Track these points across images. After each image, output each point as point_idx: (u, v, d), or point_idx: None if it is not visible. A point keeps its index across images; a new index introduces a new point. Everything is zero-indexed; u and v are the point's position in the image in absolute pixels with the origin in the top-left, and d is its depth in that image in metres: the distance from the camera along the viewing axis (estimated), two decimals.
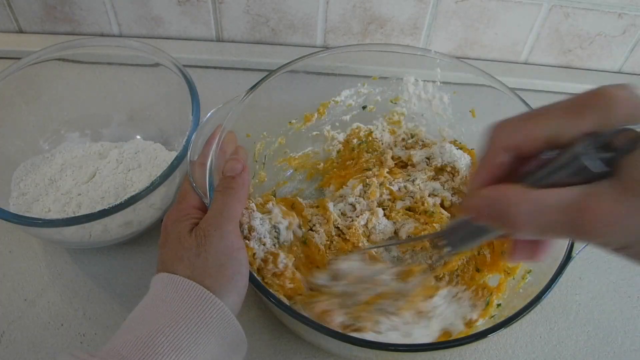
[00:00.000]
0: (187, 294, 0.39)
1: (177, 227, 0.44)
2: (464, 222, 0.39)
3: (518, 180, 0.31)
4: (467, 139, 0.63)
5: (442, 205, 0.58)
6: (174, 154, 0.58)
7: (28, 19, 0.79)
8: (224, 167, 0.48)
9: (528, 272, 0.50)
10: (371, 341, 0.41)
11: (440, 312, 0.48)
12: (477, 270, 0.54)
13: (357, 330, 0.45)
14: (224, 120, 0.52)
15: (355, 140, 0.64)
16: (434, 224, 0.56)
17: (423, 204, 0.57)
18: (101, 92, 0.66)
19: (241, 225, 0.47)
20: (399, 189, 0.59)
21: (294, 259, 0.50)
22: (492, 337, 0.41)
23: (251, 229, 0.48)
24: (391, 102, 0.65)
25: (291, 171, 0.65)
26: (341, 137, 0.65)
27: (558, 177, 0.29)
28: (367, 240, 0.56)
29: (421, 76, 0.62)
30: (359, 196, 0.59)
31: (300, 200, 0.58)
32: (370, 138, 0.64)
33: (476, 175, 0.34)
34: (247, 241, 0.47)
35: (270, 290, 0.44)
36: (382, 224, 0.57)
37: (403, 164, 0.63)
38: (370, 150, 0.63)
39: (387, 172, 0.60)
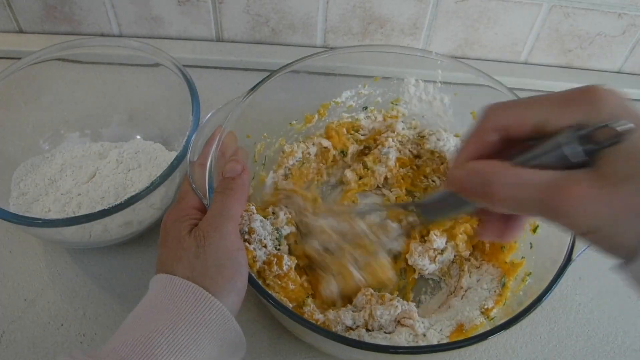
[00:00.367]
0: (185, 295, 0.39)
1: (176, 227, 0.44)
2: (445, 195, 0.40)
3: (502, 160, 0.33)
4: None
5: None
6: (174, 154, 0.58)
7: (28, 19, 0.79)
8: (224, 168, 0.48)
9: (528, 275, 0.50)
10: (369, 343, 0.41)
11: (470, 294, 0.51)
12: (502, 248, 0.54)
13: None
14: (224, 121, 0.52)
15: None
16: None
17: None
18: (101, 92, 0.67)
19: (241, 226, 0.47)
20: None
21: (296, 261, 0.50)
22: (492, 338, 0.41)
23: (251, 230, 0.48)
24: (392, 103, 0.64)
25: None
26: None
27: (539, 162, 0.31)
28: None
29: (422, 77, 0.62)
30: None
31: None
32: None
33: (463, 150, 0.35)
34: (246, 243, 0.47)
35: (271, 292, 0.44)
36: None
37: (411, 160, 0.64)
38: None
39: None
